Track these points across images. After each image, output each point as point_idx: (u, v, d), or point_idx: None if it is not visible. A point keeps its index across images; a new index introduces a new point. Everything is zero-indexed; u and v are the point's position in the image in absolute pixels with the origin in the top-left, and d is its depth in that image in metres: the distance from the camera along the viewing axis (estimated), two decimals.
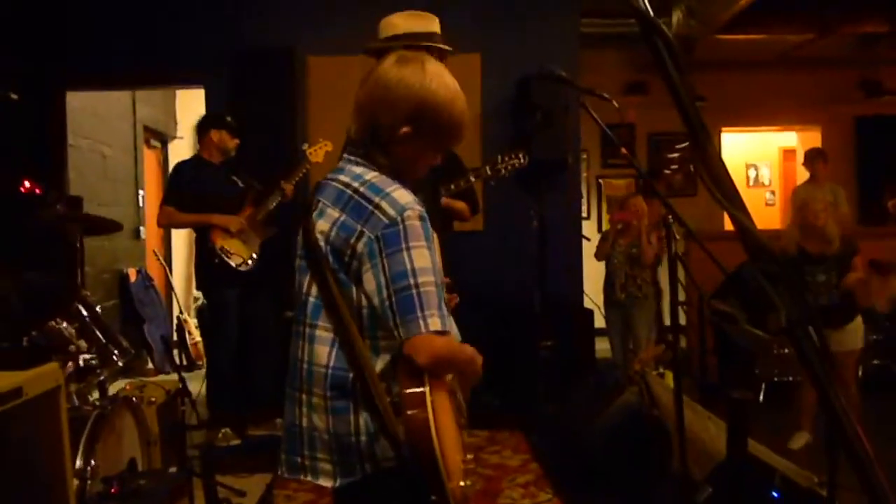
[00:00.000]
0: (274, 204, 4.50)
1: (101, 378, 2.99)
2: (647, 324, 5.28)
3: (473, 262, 4.67)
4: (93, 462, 2.54)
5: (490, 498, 3.66)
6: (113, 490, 2.49)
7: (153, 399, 3.42)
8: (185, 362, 6.97)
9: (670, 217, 2.75)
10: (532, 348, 4.91)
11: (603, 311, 5.44)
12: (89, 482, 2.51)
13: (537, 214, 5.06)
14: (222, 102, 5.21)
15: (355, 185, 1.57)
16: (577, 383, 4.86)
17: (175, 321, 7.35)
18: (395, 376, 1.53)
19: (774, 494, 2.92)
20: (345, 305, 1.53)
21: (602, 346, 5.56)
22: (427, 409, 1.45)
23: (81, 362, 2.88)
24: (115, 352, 3.00)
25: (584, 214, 7.86)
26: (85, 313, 2.98)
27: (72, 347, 2.83)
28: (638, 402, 3.76)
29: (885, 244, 5.35)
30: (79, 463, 2.50)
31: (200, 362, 6.79)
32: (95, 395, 3.03)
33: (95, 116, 6.31)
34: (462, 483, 1.53)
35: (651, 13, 0.78)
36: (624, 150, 2.67)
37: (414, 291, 1.46)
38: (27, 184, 4.58)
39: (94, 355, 2.90)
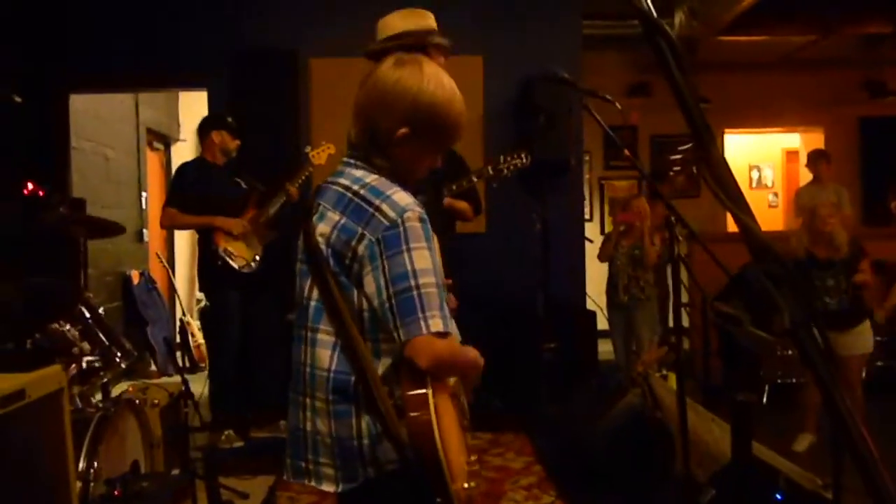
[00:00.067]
0: (278, 205, 4.50)
1: (105, 380, 3.00)
2: (650, 325, 5.28)
3: (476, 264, 4.67)
4: (96, 464, 2.54)
5: (493, 500, 3.66)
6: (116, 492, 2.49)
7: (156, 401, 3.41)
8: (187, 364, 6.97)
9: (673, 218, 2.74)
10: (535, 350, 4.91)
11: (606, 312, 5.44)
12: (92, 484, 2.51)
13: (540, 216, 5.06)
14: (225, 104, 5.22)
15: (355, 188, 1.57)
16: (580, 385, 4.86)
17: (178, 323, 7.36)
18: (397, 379, 1.52)
19: (778, 497, 2.91)
20: (346, 309, 1.53)
21: (605, 348, 5.55)
22: (430, 411, 1.44)
23: (84, 364, 2.88)
24: (118, 354, 3.00)
25: (587, 216, 7.85)
26: (88, 315, 2.99)
27: (75, 350, 2.84)
28: (641, 403, 3.75)
29: (888, 245, 5.34)
30: (82, 465, 2.50)
31: (203, 364, 6.79)
32: (98, 397, 3.04)
33: (98, 119, 6.32)
34: (466, 485, 1.53)
35: (654, 14, 0.78)
36: (627, 152, 2.67)
37: (415, 293, 1.46)
38: (30, 186, 4.59)
39: (97, 357, 2.90)
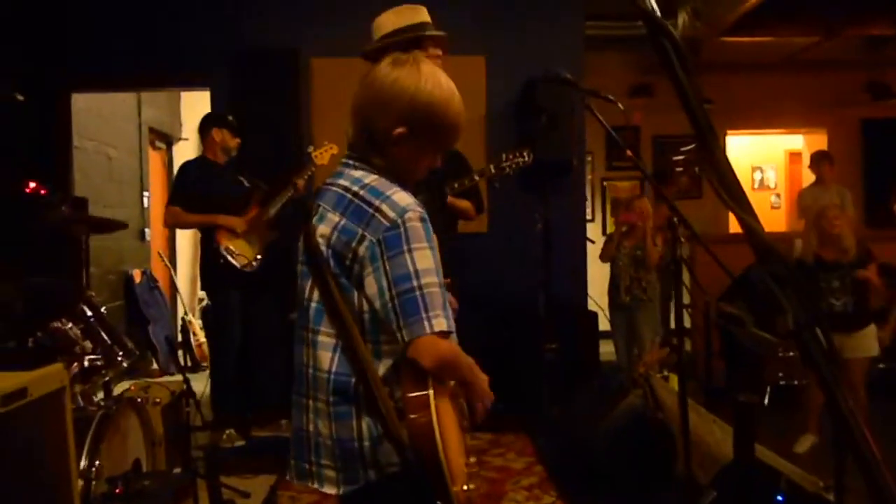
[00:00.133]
0: (280, 204, 4.49)
1: (106, 379, 3.00)
2: (652, 327, 5.27)
3: (478, 265, 4.67)
4: (97, 462, 2.55)
5: (494, 501, 3.65)
6: (117, 490, 2.49)
7: (158, 400, 3.42)
8: (189, 363, 6.98)
9: (676, 219, 2.74)
10: (536, 351, 4.91)
11: (607, 313, 5.43)
12: (94, 482, 2.51)
13: (542, 217, 5.05)
14: (226, 104, 5.22)
15: (355, 188, 1.57)
16: (582, 386, 4.85)
17: (180, 322, 7.36)
18: (397, 380, 1.52)
19: (779, 499, 2.91)
20: (347, 310, 1.53)
21: (606, 349, 5.55)
22: (430, 413, 1.44)
23: (86, 363, 2.88)
24: (120, 353, 3.01)
25: (589, 217, 7.85)
26: (90, 314, 2.99)
27: (77, 348, 2.84)
28: (642, 405, 3.75)
29: (890, 247, 5.32)
30: (83, 463, 2.50)
31: (205, 363, 6.79)
32: (100, 395, 3.04)
33: (100, 118, 6.32)
34: (466, 486, 1.53)
35: (658, 14, 0.78)
36: (629, 153, 2.66)
37: (418, 293, 1.46)
38: (32, 185, 4.59)
39: (99, 356, 2.90)
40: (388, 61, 1.61)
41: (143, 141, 7.19)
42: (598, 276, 5.71)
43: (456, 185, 3.81)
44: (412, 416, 1.45)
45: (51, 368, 2.25)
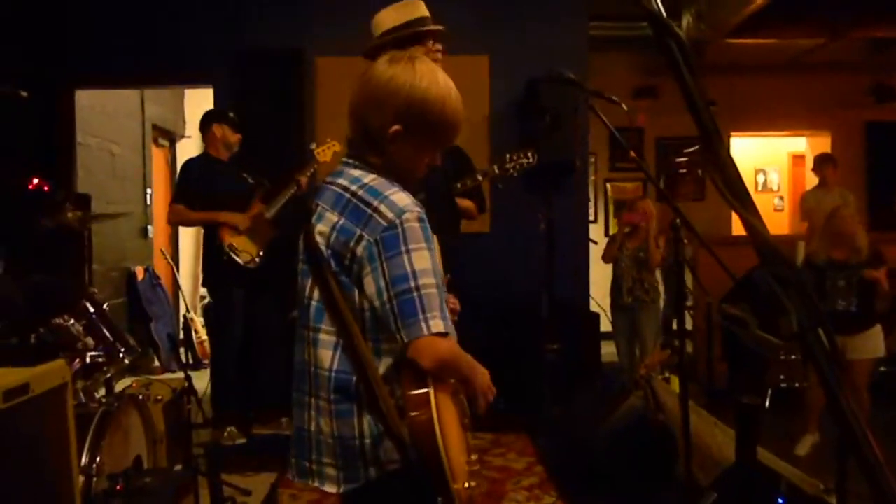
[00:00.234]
0: (287, 197, 4.48)
1: (108, 375, 3.00)
2: (654, 328, 5.27)
3: (480, 264, 4.67)
4: (98, 459, 2.55)
5: (495, 500, 3.65)
6: (118, 487, 2.49)
7: (159, 397, 3.42)
8: (191, 361, 6.98)
9: (678, 221, 2.73)
10: (538, 351, 4.91)
11: (609, 314, 5.43)
12: (95, 479, 2.51)
13: (545, 217, 5.04)
14: (230, 102, 5.22)
15: (353, 188, 1.57)
16: (583, 387, 4.85)
17: (182, 320, 7.37)
18: (398, 379, 1.52)
19: (780, 501, 2.91)
20: (347, 309, 1.53)
21: (608, 350, 5.55)
22: (431, 410, 1.44)
23: (88, 359, 2.89)
24: (122, 349, 3.01)
25: (591, 218, 7.85)
26: (92, 311, 2.99)
27: (79, 345, 2.84)
28: (643, 406, 3.75)
29: (894, 250, 5.31)
30: (84, 460, 2.50)
31: (206, 361, 6.79)
32: (102, 392, 3.04)
33: (104, 115, 6.33)
34: (467, 485, 1.53)
35: (664, 14, 0.77)
36: (633, 154, 2.66)
37: (415, 294, 1.46)
38: (35, 181, 4.60)
39: (100, 353, 2.91)
40: (384, 59, 1.60)
41: (146, 138, 7.20)
42: (600, 277, 5.70)
43: (459, 186, 3.81)
44: (413, 414, 1.46)
45: (53, 365, 2.26)
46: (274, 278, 4.53)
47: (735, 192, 0.77)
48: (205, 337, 7.04)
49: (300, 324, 1.64)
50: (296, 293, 1.66)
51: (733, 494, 2.76)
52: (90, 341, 2.88)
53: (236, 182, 4.61)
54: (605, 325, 5.45)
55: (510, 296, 5.28)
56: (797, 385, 5.35)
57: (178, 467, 3.30)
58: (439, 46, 2.82)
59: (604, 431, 3.88)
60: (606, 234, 8.05)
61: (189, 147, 7.97)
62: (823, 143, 8.72)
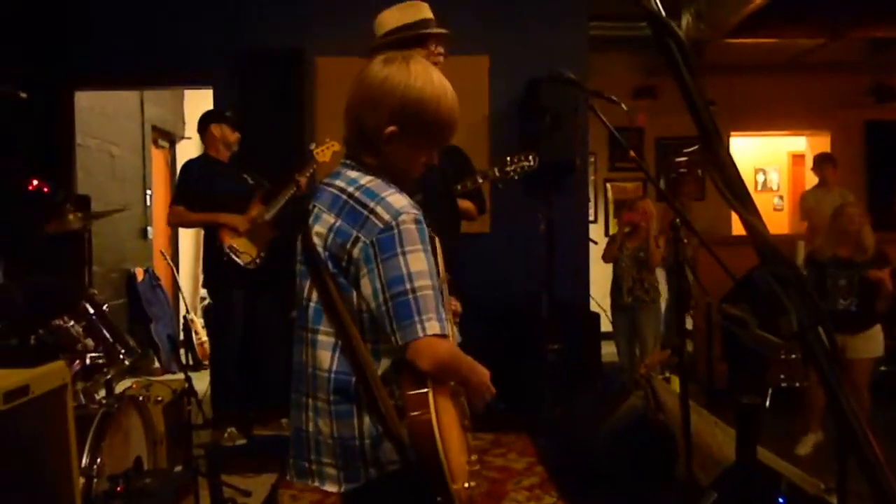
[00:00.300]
0: (287, 198, 4.48)
1: (108, 377, 3.00)
2: (654, 328, 5.27)
3: (480, 265, 4.67)
4: (99, 460, 2.55)
5: (495, 500, 3.65)
6: (119, 488, 2.50)
7: (159, 398, 3.42)
8: (191, 362, 6.99)
9: (678, 221, 2.74)
10: (538, 351, 4.91)
11: (610, 314, 5.43)
12: (95, 480, 2.51)
13: (545, 217, 5.04)
14: (230, 103, 5.22)
15: (350, 189, 1.57)
16: (584, 387, 4.85)
17: (182, 321, 7.37)
18: (397, 379, 1.52)
19: (781, 501, 2.90)
20: (345, 310, 1.53)
21: (609, 350, 5.54)
22: (430, 411, 1.44)
23: (88, 361, 2.89)
24: (122, 351, 3.01)
25: (591, 218, 7.85)
26: (92, 312, 2.99)
27: (79, 346, 2.84)
28: (644, 406, 3.75)
29: (893, 250, 5.31)
30: (85, 461, 2.50)
31: (207, 362, 6.79)
32: (102, 393, 3.04)
33: (104, 116, 6.33)
34: (467, 485, 1.53)
35: (664, 14, 0.77)
36: (632, 153, 2.66)
37: (410, 296, 1.45)
38: (35, 182, 4.60)
39: (101, 354, 2.91)
40: (379, 60, 1.60)
41: (146, 139, 7.20)
42: (600, 277, 5.71)
43: (459, 187, 3.81)
44: (412, 415, 1.46)
45: (53, 366, 2.26)
46: (274, 279, 4.54)
47: (735, 191, 0.77)
48: (205, 338, 7.04)
49: (299, 325, 1.64)
50: (295, 294, 1.66)
51: (734, 494, 2.76)
52: (90, 342, 2.88)
53: (236, 183, 4.62)
54: (606, 325, 5.45)
55: (510, 296, 5.28)
56: (797, 384, 5.34)
57: (179, 468, 3.30)
58: (441, 49, 2.80)
59: (604, 431, 3.88)
60: (606, 234, 8.05)
61: (189, 148, 7.97)
62: (823, 143, 8.72)
